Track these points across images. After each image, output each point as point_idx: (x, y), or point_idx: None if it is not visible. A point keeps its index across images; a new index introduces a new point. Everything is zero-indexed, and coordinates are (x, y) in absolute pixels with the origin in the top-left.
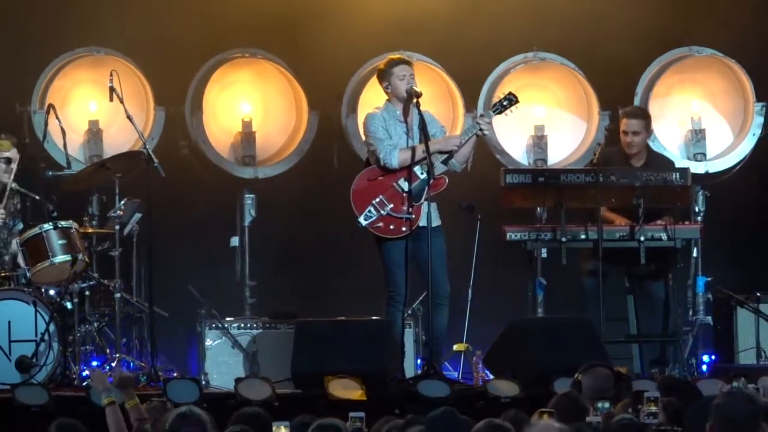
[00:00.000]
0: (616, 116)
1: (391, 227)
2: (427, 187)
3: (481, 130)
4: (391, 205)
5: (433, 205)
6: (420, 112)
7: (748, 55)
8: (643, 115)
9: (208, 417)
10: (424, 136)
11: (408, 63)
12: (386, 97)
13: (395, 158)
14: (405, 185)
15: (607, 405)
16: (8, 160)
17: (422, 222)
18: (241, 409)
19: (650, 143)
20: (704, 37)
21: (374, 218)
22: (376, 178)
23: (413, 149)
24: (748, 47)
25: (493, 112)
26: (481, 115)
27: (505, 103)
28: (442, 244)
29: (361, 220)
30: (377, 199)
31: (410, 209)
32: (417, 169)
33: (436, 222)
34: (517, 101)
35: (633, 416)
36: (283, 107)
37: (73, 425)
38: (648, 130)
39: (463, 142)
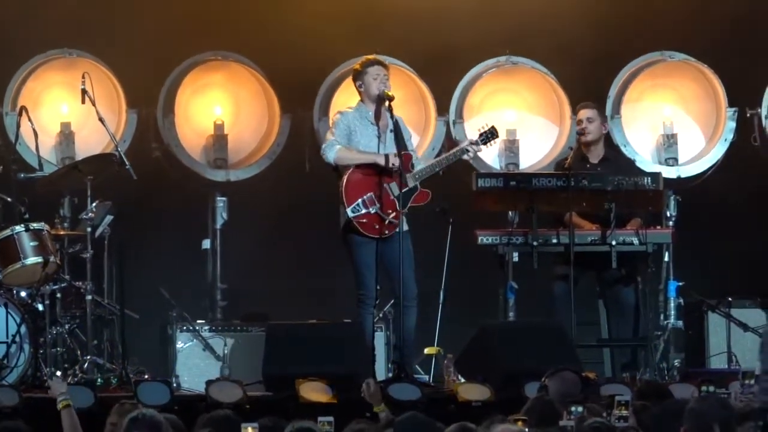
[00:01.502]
0: None
1: (375, 226)
2: (411, 198)
3: (470, 156)
4: (379, 206)
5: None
6: (393, 117)
7: (721, 60)
8: (595, 105)
9: (169, 420)
10: (398, 145)
11: (383, 65)
12: (359, 98)
13: (332, 151)
14: (396, 190)
15: (580, 409)
16: None
17: (397, 229)
18: (211, 412)
19: (623, 148)
20: (677, 42)
21: (361, 213)
22: (371, 174)
23: (364, 154)
24: (720, 52)
25: (482, 143)
26: (471, 143)
27: (489, 137)
28: (410, 246)
29: (349, 211)
30: (368, 195)
31: (393, 214)
32: (410, 178)
33: (405, 227)
34: (497, 135)
35: (605, 419)
36: (256, 110)
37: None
38: (602, 119)
39: (449, 162)
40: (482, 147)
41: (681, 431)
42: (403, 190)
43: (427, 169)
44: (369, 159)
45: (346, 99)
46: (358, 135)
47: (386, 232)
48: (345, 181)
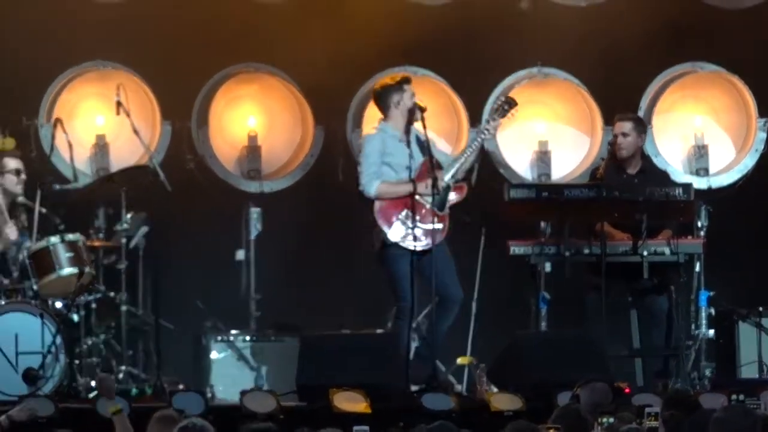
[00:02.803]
0: None
1: (420, 239)
2: (447, 197)
3: (488, 133)
4: (418, 218)
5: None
6: (422, 128)
7: (752, 71)
8: (634, 118)
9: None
10: (422, 152)
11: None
12: (381, 117)
13: (372, 187)
14: (429, 198)
15: (611, 420)
16: (18, 172)
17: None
18: (253, 424)
19: (653, 158)
20: (708, 53)
21: (404, 233)
22: None
23: (405, 186)
24: (752, 64)
25: (498, 116)
26: (488, 121)
27: (506, 107)
28: (448, 252)
29: (390, 236)
30: (403, 213)
31: (437, 219)
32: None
33: None
34: (515, 104)
35: (638, 426)
36: (289, 122)
37: None
38: (639, 133)
39: (473, 152)
40: (499, 121)
41: None
42: (436, 195)
43: (455, 165)
44: (408, 190)
45: (377, 111)
46: (390, 154)
47: (430, 240)
48: (377, 208)
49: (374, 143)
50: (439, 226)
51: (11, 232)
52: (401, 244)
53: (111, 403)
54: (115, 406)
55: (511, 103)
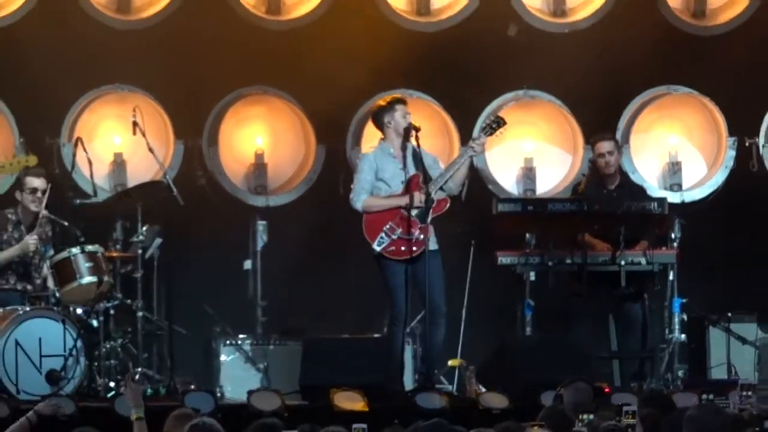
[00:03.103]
0: None
1: (402, 249)
2: (429, 210)
3: (474, 151)
4: (401, 230)
5: (431, 229)
6: (415, 145)
7: (723, 93)
8: (612, 136)
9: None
10: (418, 167)
11: (406, 102)
12: (380, 135)
13: (360, 201)
14: (413, 210)
15: (591, 417)
16: (34, 190)
17: (430, 245)
18: (259, 420)
19: (631, 174)
20: (682, 77)
21: (386, 243)
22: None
23: (389, 200)
24: (722, 86)
25: (485, 134)
26: (474, 138)
27: (494, 126)
28: (439, 266)
29: (375, 246)
30: (387, 226)
31: (418, 231)
32: (418, 197)
33: (433, 246)
34: (504, 123)
35: (618, 422)
36: (293, 140)
37: None
38: (618, 150)
39: (459, 165)
40: (485, 138)
41: None
42: (420, 207)
43: (439, 179)
44: (393, 204)
45: (376, 130)
46: (384, 170)
47: (414, 249)
48: (364, 221)
49: (367, 161)
50: (421, 236)
51: (32, 242)
52: (384, 254)
53: (136, 410)
54: (138, 413)
55: (499, 123)
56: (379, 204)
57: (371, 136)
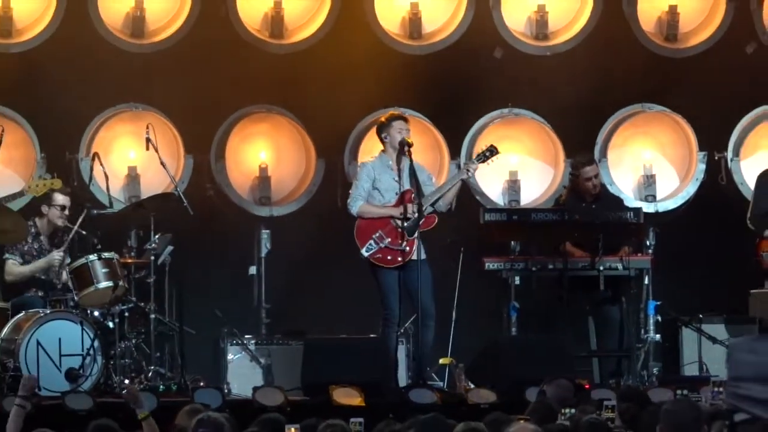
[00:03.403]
0: None
1: (389, 258)
2: (418, 225)
3: (467, 174)
4: (389, 239)
5: (419, 241)
6: (411, 161)
7: (693, 111)
8: (592, 159)
9: (228, 420)
10: (412, 182)
11: (405, 119)
12: (381, 148)
13: (355, 207)
14: (400, 222)
15: (573, 411)
16: (63, 207)
17: (413, 255)
18: (264, 414)
19: (609, 187)
20: (655, 95)
21: (374, 250)
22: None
23: (383, 209)
24: (693, 104)
25: (477, 160)
26: (467, 163)
27: (487, 154)
28: (428, 273)
29: (363, 251)
30: (377, 234)
31: (405, 243)
32: (410, 209)
33: (423, 255)
34: (497, 152)
35: (598, 416)
36: (295, 155)
37: (108, 425)
38: (598, 167)
39: (450, 185)
40: (477, 165)
41: (658, 430)
42: (410, 220)
43: (431, 196)
44: (386, 213)
45: (372, 145)
46: (380, 180)
47: (399, 259)
48: (355, 226)
49: (366, 170)
50: (408, 248)
51: (58, 257)
52: (371, 260)
53: (140, 411)
54: (143, 413)
55: (492, 152)
56: (373, 212)
57: (368, 151)
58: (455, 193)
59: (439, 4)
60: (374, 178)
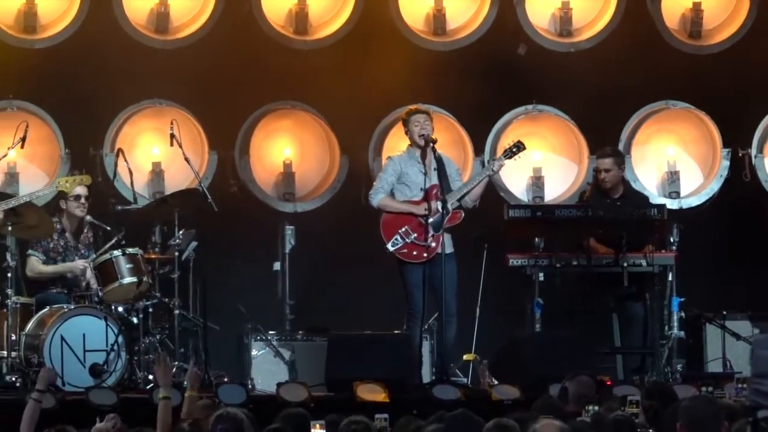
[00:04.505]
0: None
1: (414, 253)
2: (444, 220)
3: (493, 170)
4: (415, 234)
5: (447, 235)
6: (436, 156)
7: (717, 107)
8: (612, 154)
9: (247, 416)
10: (439, 179)
11: (424, 112)
12: (408, 142)
13: (376, 199)
14: (423, 219)
15: (596, 408)
16: (77, 197)
17: (439, 250)
18: (287, 409)
19: (632, 183)
20: (679, 92)
21: (400, 245)
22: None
23: (403, 204)
24: (717, 101)
25: (505, 157)
26: (494, 159)
27: (514, 150)
28: (454, 268)
29: (389, 246)
30: (403, 229)
31: (431, 238)
32: (435, 205)
33: (449, 249)
34: (524, 148)
35: (624, 413)
36: (319, 151)
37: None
38: (619, 165)
39: (477, 182)
40: (504, 161)
41: (678, 426)
42: (435, 216)
43: (457, 192)
44: (406, 209)
45: (396, 142)
46: (407, 174)
47: (425, 255)
48: (381, 221)
49: (393, 163)
50: (433, 244)
51: (82, 267)
52: (397, 254)
53: (164, 389)
54: (164, 393)
55: (520, 147)
56: (393, 206)
57: (392, 147)
58: (482, 190)
59: (463, 1)
60: (401, 172)
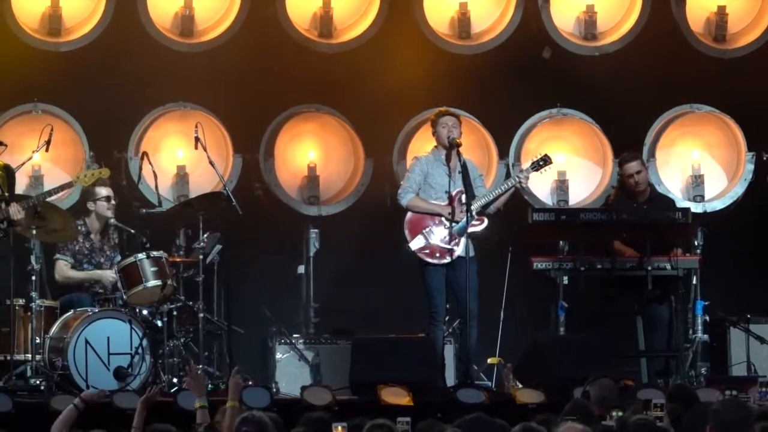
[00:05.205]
0: None
1: (437, 254)
2: (468, 225)
3: (520, 183)
4: (439, 236)
5: (465, 241)
6: (461, 159)
7: (742, 111)
8: (636, 156)
9: (271, 419)
10: (464, 183)
11: (452, 115)
12: (435, 144)
13: (405, 199)
14: (449, 223)
15: (620, 413)
16: (108, 198)
17: (461, 253)
18: (309, 413)
19: (657, 187)
20: (704, 96)
21: (423, 245)
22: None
23: (432, 205)
24: (741, 105)
25: (532, 169)
26: (521, 170)
27: (541, 163)
28: (475, 272)
29: (412, 245)
30: (427, 229)
31: (454, 242)
32: (459, 210)
33: (471, 252)
34: (551, 162)
35: (647, 416)
36: (343, 155)
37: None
38: (645, 165)
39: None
40: (530, 173)
41: (707, 429)
42: (460, 222)
43: (481, 199)
44: (435, 210)
45: (420, 145)
46: (432, 175)
47: (447, 257)
48: (406, 220)
49: (419, 164)
50: (455, 248)
51: (111, 279)
52: (419, 254)
53: (199, 399)
54: (201, 402)
55: (546, 161)
56: (422, 207)
57: (416, 150)
58: (506, 198)
59: (487, 4)
60: (426, 172)
